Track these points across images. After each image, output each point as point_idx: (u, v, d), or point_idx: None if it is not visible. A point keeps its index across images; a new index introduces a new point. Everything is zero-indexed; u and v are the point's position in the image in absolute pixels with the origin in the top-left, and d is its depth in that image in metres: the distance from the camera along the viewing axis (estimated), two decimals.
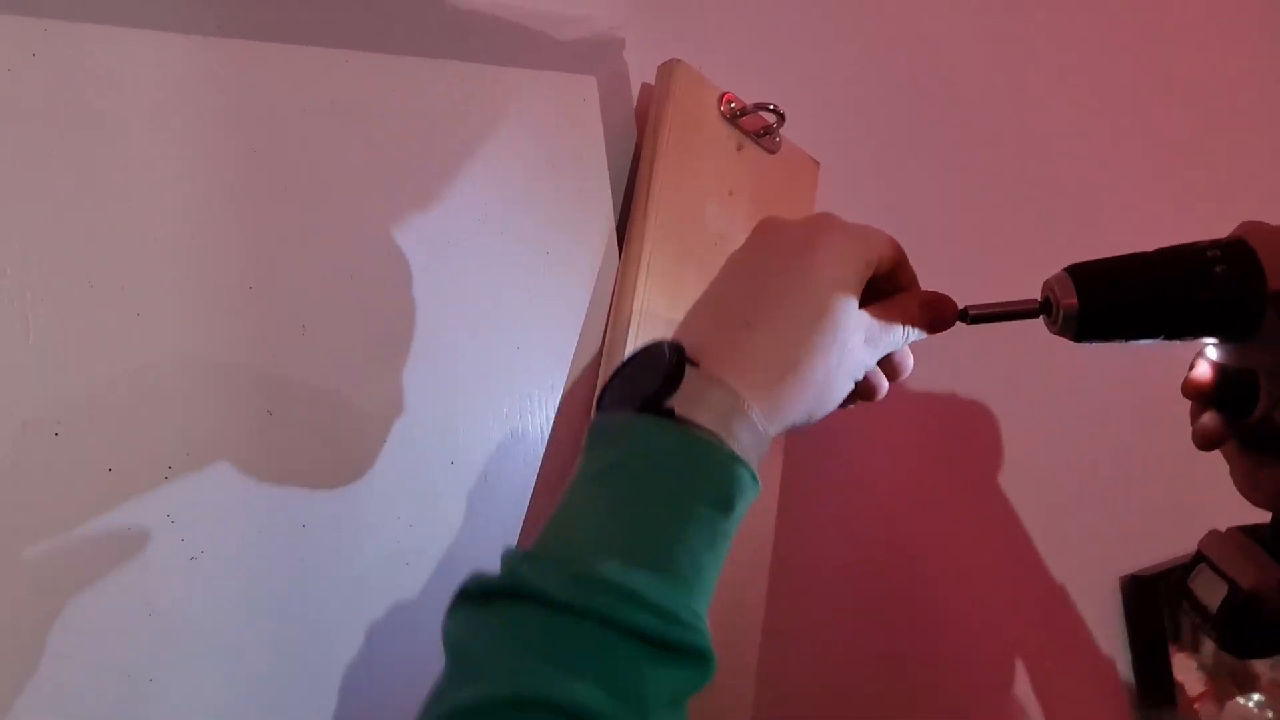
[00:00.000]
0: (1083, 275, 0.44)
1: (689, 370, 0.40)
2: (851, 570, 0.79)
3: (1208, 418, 0.49)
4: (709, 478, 0.39)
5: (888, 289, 0.46)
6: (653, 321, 0.60)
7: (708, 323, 0.43)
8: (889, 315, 0.45)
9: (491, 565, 0.38)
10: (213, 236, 0.45)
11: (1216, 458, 0.50)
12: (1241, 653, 0.48)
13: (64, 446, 0.40)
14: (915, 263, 0.47)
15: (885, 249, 0.45)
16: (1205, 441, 0.49)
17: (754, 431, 0.40)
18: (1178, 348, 0.45)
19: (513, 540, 0.55)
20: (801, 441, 0.73)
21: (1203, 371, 0.49)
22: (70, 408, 0.40)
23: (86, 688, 0.40)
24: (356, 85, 0.51)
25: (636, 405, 0.40)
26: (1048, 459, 1.02)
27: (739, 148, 0.68)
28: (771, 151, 0.70)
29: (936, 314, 0.46)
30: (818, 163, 0.75)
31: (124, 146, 0.43)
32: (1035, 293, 0.46)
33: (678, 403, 0.39)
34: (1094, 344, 0.45)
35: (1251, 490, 0.48)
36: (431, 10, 0.55)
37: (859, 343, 0.44)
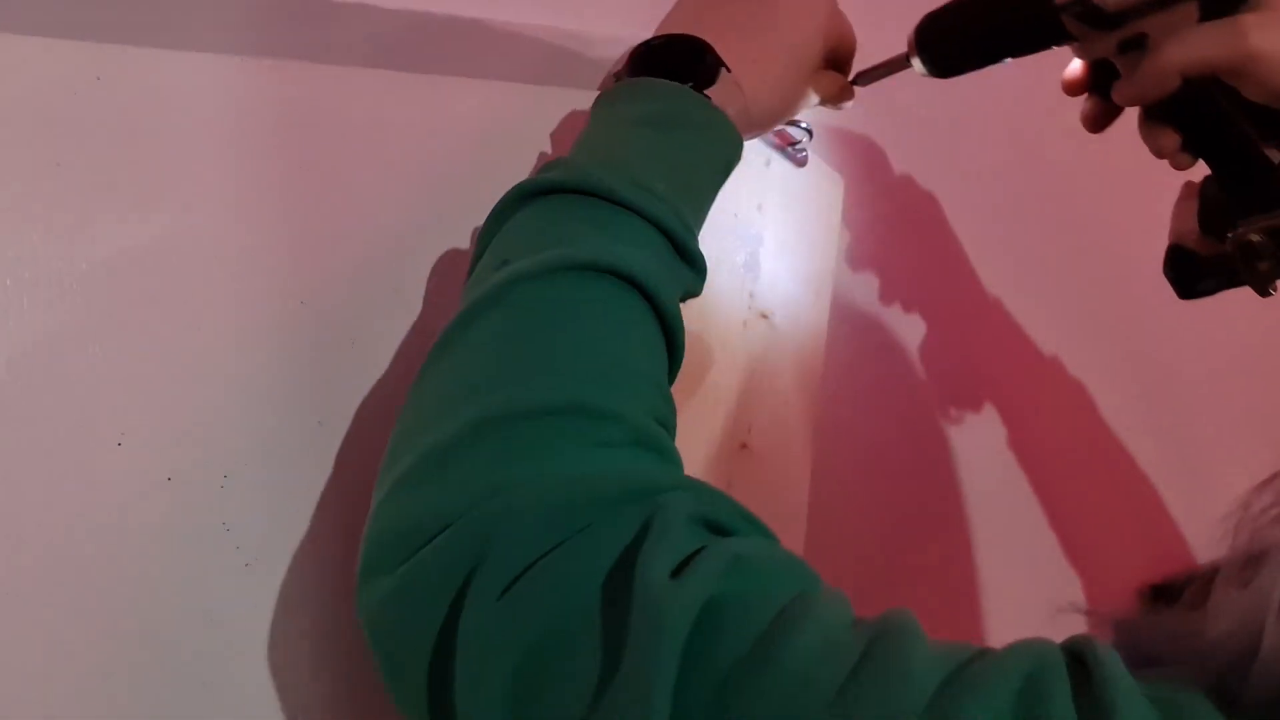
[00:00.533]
0: (924, 20, 0.54)
1: (723, 72, 0.50)
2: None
3: (1088, 104, 0.57)
4: (726, 150, 0.50)
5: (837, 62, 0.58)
6: (687, 327, 0.61)
7: (727, 42, 0.51)
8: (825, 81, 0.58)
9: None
10: (266, 252, 0.47)
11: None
12: (1181, 295, 0.57)
13: (126, 456, 0.41)
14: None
15: (850, 41, 0.57)
16: (1091, 123, 0.57)
17: (745, 130, 0.52)
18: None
19: None
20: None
21: (1072, 69, 0.56)
22: (132, 419, 0.42)
23: (145, 693, 0.41)
24: (405, 104, 0.53)
25: (682, 80, 0.49)
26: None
27: (767, 163, 0.69)
28: (800, 166, 0.71)
29: (843, 90, 0.58)
30: (843, 178, 0.76)
31: (181, 165, 0.45)
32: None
33: (714, 94, 0.49)
34: (962, 75, 0.54)
35: (1166, 158, 0.54)
36: (476, 32, 0.56)
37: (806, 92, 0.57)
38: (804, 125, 0.68)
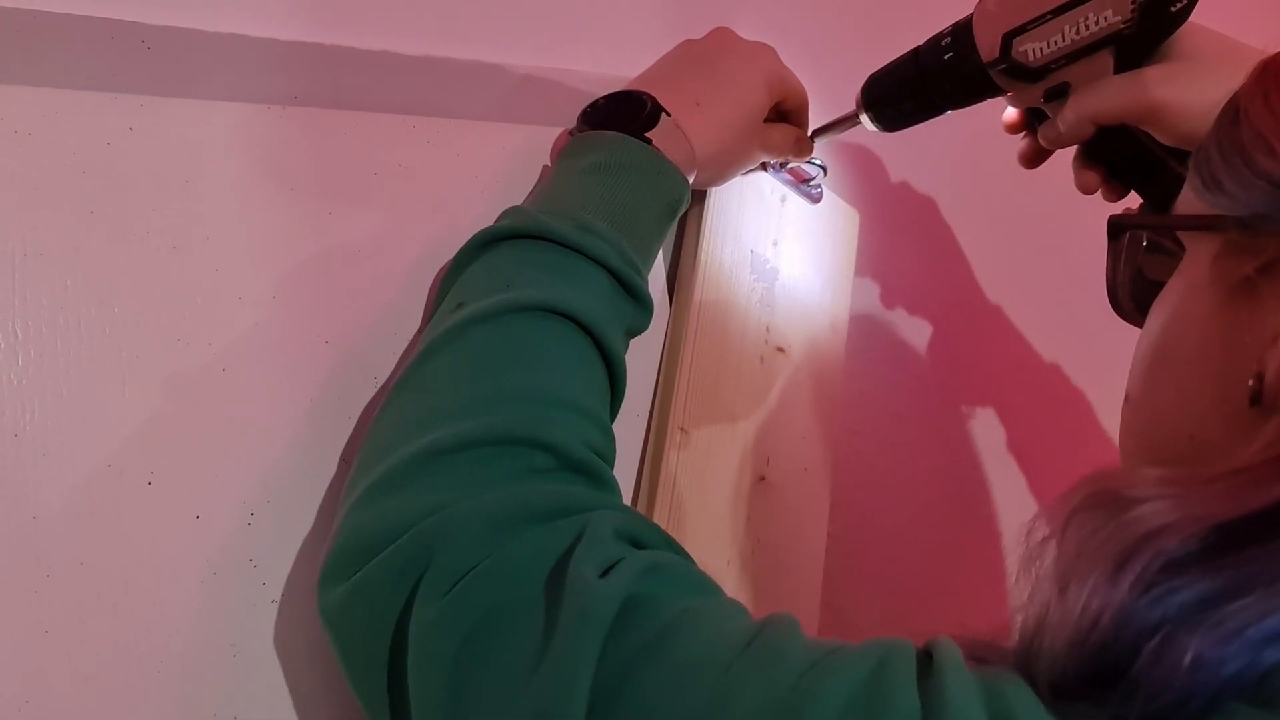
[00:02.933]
0: (868, 80, 0.58)
1: (663, 117, 0.53)
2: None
3: (1024, 143, 0.60)
4: (670, 190, 0.53)
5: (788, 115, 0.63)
6: (703, 364, 0.62)
7: (671, 92, 0.55)
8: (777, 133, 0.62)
9: None
10: (292, 294, 0.48)
11: None
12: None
13: (156, 495, 0.42)
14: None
15: (797, 92, 0.61)
16: (1026, 161, 0.61)
17: (691, 171, 0.55)
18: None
19: None
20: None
21: (1009, 114, 0.60)
22: (162, 459, 0.43)
23: None
24: (426, 146, 0.54)
25: (625, 130, 0.52)
26: None
27: (783, 200, 0.70)
28: (814, 202, 0.72)
29: (799, 142, 0.63)
30: (858, 213, 0.77)
31: (211, 211, 0.46)
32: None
33: (655, 137, 0.53)
34: (907, 129, 0.59)
35: (1089, 193, 0.58)
36: (494, 76, 0.58)
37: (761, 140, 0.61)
38: (818, 162, 0.69)
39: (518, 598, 0.35)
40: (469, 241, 0.49)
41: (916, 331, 0.86)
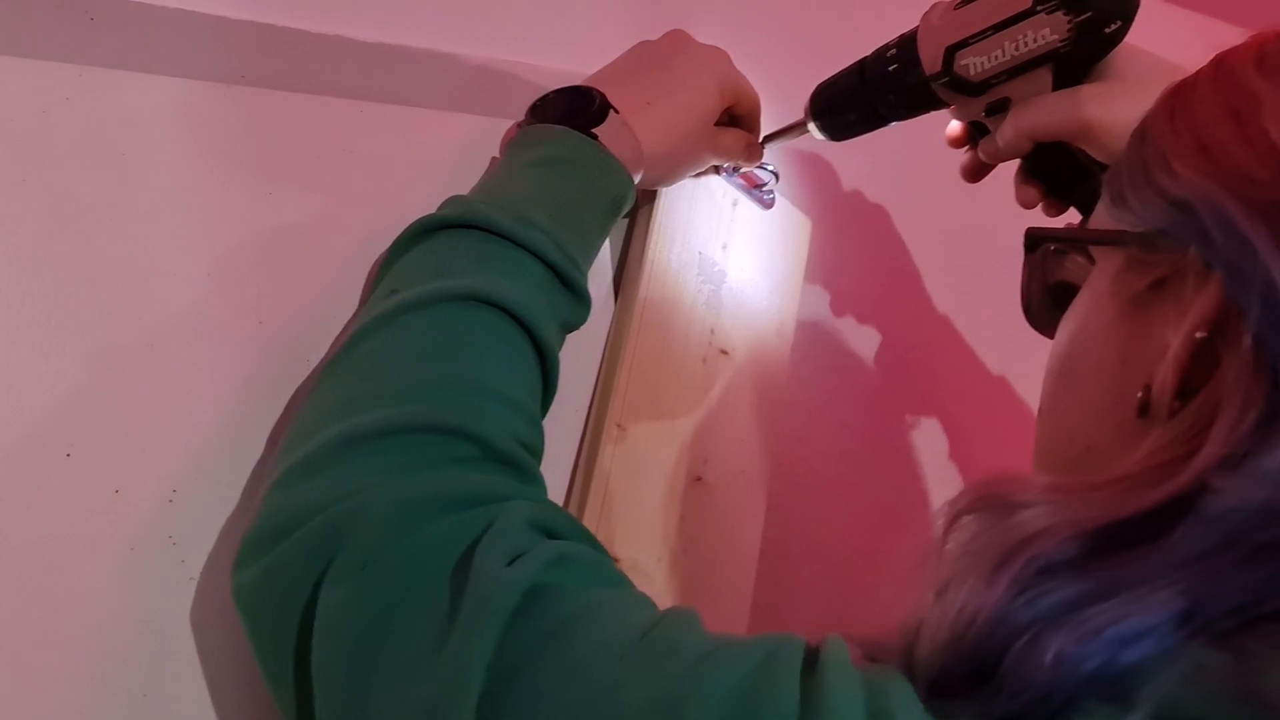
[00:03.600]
0: (816, 90, 0.59)
1: (611, 114, 0.54)
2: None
3: (967, 157, 0.62)
4: (614, 186, 0.53)
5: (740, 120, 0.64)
6: (644, 362, 0.62)
7: (622, 90, 0.56)
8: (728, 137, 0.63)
9: None
10: (227, 273, 0.48)
11: None
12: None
13: (75, 467, 0.42)
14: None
15: (750, 97, 0.62)
16: (968, 175, 0.62)
17: (637, 169, 0.56)
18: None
19: None
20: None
21: (952, 128, 0.61)
22: (83, 432, 0.43)
23: (84, 702, 0.42)
24: (374, 133, 0.54)
25: (572, 125, 0.53)
26: None
27: (734, 204, 0.71)
28: (766, 208, 0.73)
29: (750, 147, 0.64)
30: (810, 220, 0.77)
31: (147, 186, 0.46)
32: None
33: (601, 133, 0.53)
34: (854, 138, 0.60)
35: (1029, 208, 0.59)
36: (448, 65, 0.58)
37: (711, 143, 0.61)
38: (770, 168, 0.70)
39: (424, 584, 0.35)
40: (408, 228, 0.49)
41: (866, 340, 0.87)
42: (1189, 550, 0.28)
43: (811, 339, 0.81)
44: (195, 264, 0.47)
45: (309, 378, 0.50)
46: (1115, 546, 0.29)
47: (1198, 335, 0.31)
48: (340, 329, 0.51)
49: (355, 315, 0.51)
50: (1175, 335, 0.32)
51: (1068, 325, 0.40)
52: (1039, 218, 0.61)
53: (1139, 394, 0.33)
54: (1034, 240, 0.42)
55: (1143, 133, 0.36)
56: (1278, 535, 0.27)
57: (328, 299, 0.51)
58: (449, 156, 0.57)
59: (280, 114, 0.51)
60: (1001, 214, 0.62)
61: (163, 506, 0.44)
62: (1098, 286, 0.38)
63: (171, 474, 0.45)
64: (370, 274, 0.52)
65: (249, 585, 0.38)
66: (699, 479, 0.65)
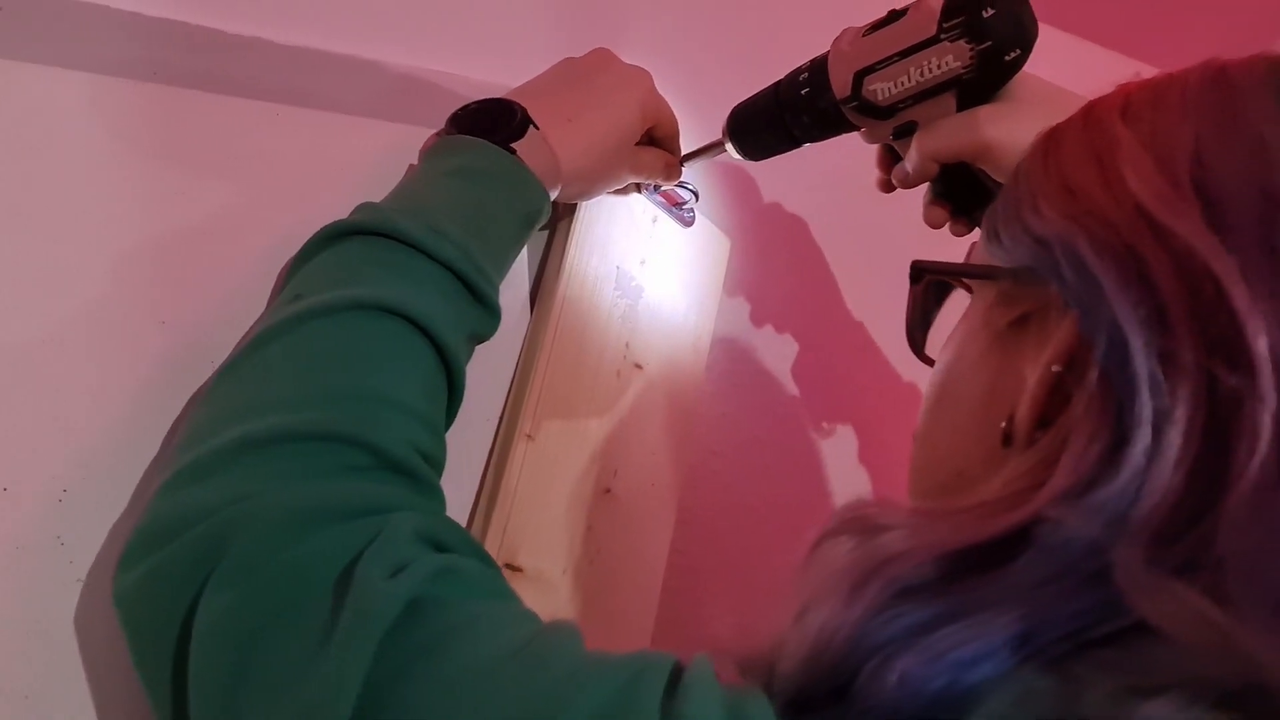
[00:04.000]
0: (732, 111, 0.61)
1: (531, 129, 0.54)
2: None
3: (881, 178, 0.63)
4: (529, 201, 0.54)
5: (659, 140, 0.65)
6: (557, 373, 0.63)
7: (544, 105, 0.56)
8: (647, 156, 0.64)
9: None
10: (132, 271, 0.47)
11: None
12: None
13: None
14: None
15: (669, 119, 0.64)
16: (886, 190, 0.63)
17: (554, 184, 0.57)
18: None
19: None
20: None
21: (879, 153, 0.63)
22: None
23: None
24: (286, 138, 0.54)
25: (491, 138, 0.53)
26: None
27: (654, 220, 0.72)
28: (686, 226, 0.74)
29: (668, 167, 0.66)
30: (730, 240, 0.79)
31: (54, 180, 0.45)
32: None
33: (520, 147, 0.54)
34: (770, 158, 0.62)
35: (937, 228, 0.60)
36: (369, 72, 0.58)
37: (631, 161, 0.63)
38: (691, 187, 0.71)
39: (305, 594, 0.35)
40: (317, 233, 0.49)
41: (782, 354, 0.88)
42: (1030, 577, 0.29)
43: (728, 354, 0.82)
44: (98, 261, 0.46)
45: (210, 380, 0.49)
46: (969, 570, 0.30)
47: (1054, 369, 0.32)
48: (245, 332, 0.51)
49: (260, 318, 0.51)
50: (1034, 369, 0.33)
51: (945, 354, 0.41)
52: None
53: (1003, 424, 0.34)
54: (918, 272, 0.43)
55: (1018, 173, 0.38)
56: (1107, 564, 0.28)
57: (234, 301, 0.51)
58: (365, 163, 0.57)
59: (192, 113, 0.51)
60: (916, 227, 0.63)
61: (52, 506, 0.44)
62: (972, 318, 0.40)
63: (62, 474, 0.44)
64: (278, 278, 0.52)
65: (131, 588, 0.38)
66: (608, 490, 0.65)
